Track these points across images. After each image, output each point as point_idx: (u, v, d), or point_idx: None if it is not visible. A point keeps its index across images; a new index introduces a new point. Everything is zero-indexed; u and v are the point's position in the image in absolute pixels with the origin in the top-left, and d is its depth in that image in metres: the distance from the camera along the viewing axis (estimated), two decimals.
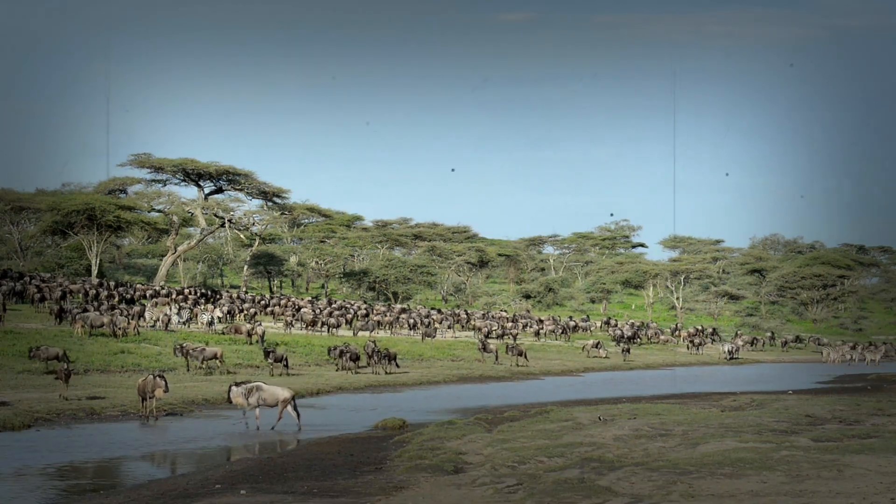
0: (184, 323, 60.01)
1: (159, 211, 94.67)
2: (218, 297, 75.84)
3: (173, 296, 71.30)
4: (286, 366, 48.35)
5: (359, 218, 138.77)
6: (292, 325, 66.43)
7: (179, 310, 61.32)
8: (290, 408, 30.93)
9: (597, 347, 71.83)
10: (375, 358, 51.46)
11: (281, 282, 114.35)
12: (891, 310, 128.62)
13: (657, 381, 57.18)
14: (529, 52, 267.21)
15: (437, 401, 41.63)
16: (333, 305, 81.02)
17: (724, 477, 19.58)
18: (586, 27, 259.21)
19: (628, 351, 73.52)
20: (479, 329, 75.07)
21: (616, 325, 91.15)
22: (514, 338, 74.65)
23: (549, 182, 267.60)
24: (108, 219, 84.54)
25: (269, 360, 47.87)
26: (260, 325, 59.13)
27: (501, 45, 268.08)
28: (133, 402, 33.43)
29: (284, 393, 31.13)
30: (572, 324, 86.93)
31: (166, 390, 32.21)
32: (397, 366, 52.53)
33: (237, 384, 31.57)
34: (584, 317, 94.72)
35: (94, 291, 66.92)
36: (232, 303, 71.77)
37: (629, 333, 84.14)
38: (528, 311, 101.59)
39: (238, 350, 52.59)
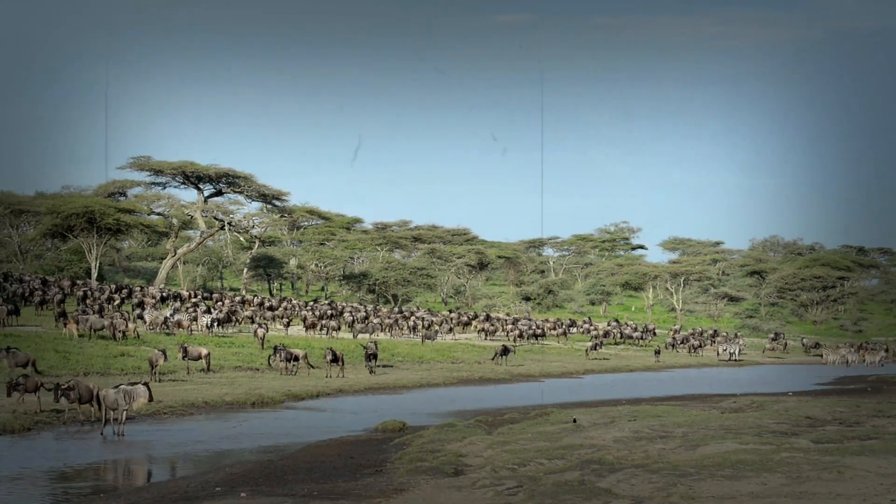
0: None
1: (159, 214, 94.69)
2: (218, 300, 75.80)
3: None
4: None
5: (358, 220, 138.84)
6: (289, 325, 66.74)
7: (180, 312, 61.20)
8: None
9: (595, 349, 72.00)
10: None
11: (281, 284, 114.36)
12: (891, 311, 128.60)
13: (657, 383, 57.15)
14: (529, 53, 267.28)
15: (437, 403, 41.62)
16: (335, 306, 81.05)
17: (724, 479, 19.59)
18: (585, 28, 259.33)
19: (658, 352, 74.53)
20: (514, 332, 75.44)
21: (618, 325, 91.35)
22: (537, 338, 76.41)
23: (549, 183, 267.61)
24: (107, 222, 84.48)
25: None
26: (261, 327, 59.20)
27: (500, 46, 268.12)
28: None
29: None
30: (607, 327, 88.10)
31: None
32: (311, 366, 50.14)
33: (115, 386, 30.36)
34: (587, 318, 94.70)
35: (94, 294, 66.81)
36: (232, 304, 71.83)
37: (631, 335, 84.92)
38: (528, 313, 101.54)
39: (238, 352, 52.65)
